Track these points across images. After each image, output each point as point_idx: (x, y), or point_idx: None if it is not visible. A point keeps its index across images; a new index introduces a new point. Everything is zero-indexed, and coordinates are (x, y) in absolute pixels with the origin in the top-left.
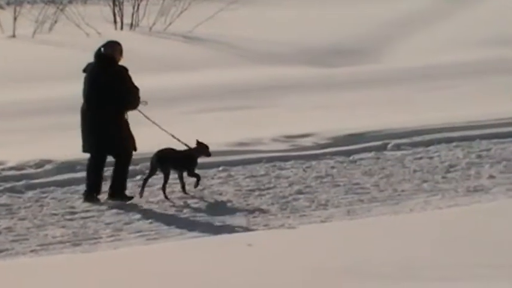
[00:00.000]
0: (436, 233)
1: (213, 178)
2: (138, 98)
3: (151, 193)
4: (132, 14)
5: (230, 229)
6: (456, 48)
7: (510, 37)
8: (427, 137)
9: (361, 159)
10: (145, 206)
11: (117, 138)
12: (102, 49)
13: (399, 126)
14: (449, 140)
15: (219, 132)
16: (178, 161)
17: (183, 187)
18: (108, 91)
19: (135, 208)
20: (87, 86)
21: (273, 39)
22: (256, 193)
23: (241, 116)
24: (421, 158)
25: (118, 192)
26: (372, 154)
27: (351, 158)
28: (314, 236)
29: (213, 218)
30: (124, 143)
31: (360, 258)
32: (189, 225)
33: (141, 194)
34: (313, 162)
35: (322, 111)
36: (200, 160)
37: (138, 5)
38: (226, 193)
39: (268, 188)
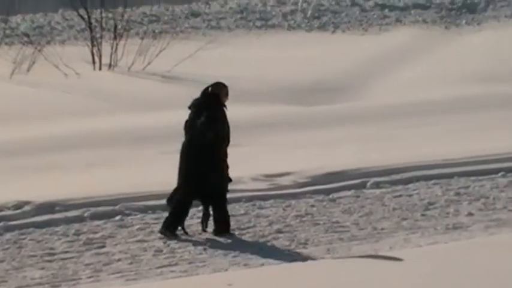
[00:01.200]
0: (417, 271)
1: (192, 218)
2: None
3: (131, 233)
4: (111, 54)
5: (211, 269)
6: (434, 85)
7: (488, 74)
8: (406, 175)
9: (340, 197)
10: (125, 247)
11: (218, 178)
12: (210, 88)
13: (378, 164)
14: (427, 178)
15: None
16: None
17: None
18: (211, 128)
19: (114, 248)
20: (191, 122)
21: (252, 78)
22: (237, 232)
23: None
24: (400, 196)
25: (227, 229)
26: (351, 192)
27: (331, 196)
28: (294, 275)
29: (194, 258)
30: (224, 182)
31: None
32: (169, 265)
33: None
34: (293, 201)
35: (302, 149)
36: None
37: (117, 44)
38: (206, 233)
39: (248, 227)
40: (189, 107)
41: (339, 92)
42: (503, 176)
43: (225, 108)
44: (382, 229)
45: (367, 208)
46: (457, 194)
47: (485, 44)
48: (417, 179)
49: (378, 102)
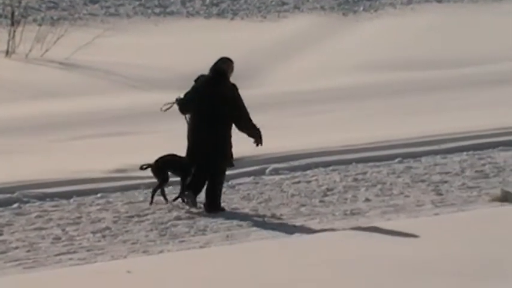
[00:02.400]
0: (317, 257)
1: (91, 205)
2: (250, 120)
3: (28, 221)
4: (8, 41)
5: (109, 256)
6: (331, 73)
7: (386, 61)
8: (305, 161)
9: (239, 184)
10: (23, 235)
11: (223, 152)
12: (217, 64)
13: (277, 151)
14: (326, 164)
15: (96, 159)
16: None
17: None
18: (221, 104)
19: (12, 236)
20: (201, 97)
21: (149, 66)
22: (135, 219)
23: (118, 142)
24: (299, 182)
25: (216, 206)
26: (250, 179)
27: (230, 183)
28: (193, 262)
29: (92, 245)
30: (228, 157)
31: (242, 284)
32: (67, 253)
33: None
34: None
35: None
36: (77, 188)
37: (14, 31)
38: (105, 220)
39: (147, 214)
40: (195, 81)
41: (237, 79)
42: (399, 162)
43: (234, 86)
44: (281, 215)
45: (266, 194)
46: (355, 180)
47: (382, 31)
48: (316, 165)
49: (276, 90)
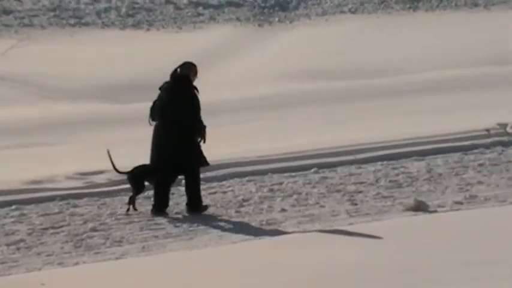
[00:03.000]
0: (233, 266)
1: (5, 217)
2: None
3: None
4: None
5: (24, 268)
6: (250, 83)
7: (301, 72)
8: (221, 172)
9: None
10: None
11: (193, 153)
12: (178, 69)
13: None
14: (242, 175)
15: (11, 170)
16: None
17: None
18: (184, 108)
19: None
20: (164, 103)
21: (68, 75)
22: (50, 231)
23: (34, 153)
24: (215, 193)
25: (198, 205)
26: None
27: (146, 194)
28: (108, 273)
29: (6, 258)
30: (198, 157)
31: None
32: None
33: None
34: (108, 200)
35: (115, 147)
36: None
37: None
38: (19, 232)
39: (62, 226)
40: (160, 88)
41: (154, 90)
42: (315, 172)
43: (195, 89)
44: (197, 226)
45: (182, 205)
46: (271, 190)
47: (298, 41)
48: (232, 175)
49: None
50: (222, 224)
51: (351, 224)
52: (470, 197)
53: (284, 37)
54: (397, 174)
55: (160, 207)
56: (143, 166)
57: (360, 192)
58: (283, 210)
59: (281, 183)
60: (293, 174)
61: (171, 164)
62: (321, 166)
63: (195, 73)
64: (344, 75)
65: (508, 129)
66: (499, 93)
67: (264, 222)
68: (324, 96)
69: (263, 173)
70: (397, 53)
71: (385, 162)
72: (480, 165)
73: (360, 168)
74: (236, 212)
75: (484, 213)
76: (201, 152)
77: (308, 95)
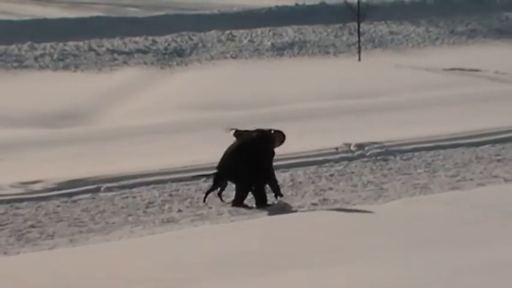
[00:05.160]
0: (143, 257)
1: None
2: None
3: None
4: None
5: None
6: (156, 112)
7: (193, 104)
8: (131, 181)
9: (80, 199)
10: None
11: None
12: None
13: (110, 173)
14: (148, 183)
15: None
16: None
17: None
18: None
19: None
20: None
21: (11, 107)
22: None
23: None
24: (127, 198)
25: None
26: (88, 195)
27: (72, 198)
28: (42, 261)
29: None
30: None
31: (76, 280)
32: None
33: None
34: (43, 203)
35: (51, 163)
36: None
37: None
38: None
39: (7, 224)
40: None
41: (79, 118)
42: (204, 181)
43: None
44: (113, 223)
45: (101, 207)
46: (170, 195)
47: (191, 80)
48: (140, 184)
49: (113, 125)
50: (132, 221)
51: (232, 221)
52: (323, 200)
53: (180, 77)
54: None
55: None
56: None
57: None
58: (179, 210)
59: (178, 190)
60: (188, 182)
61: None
62: (209, 176)
63: (281, 142)
64: (226, 106)
65: (352, 148)
66: (345, 121)
67: (165, 220)
68: (211, 124)
69: (164, 181)
70: (266, 88)
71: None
72: (331, 175)
73: None
74: (143, 212)
75: (332, 212)
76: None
77: (197, 123)
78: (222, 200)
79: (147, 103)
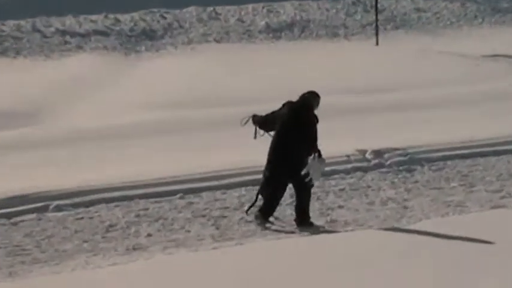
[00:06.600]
0: None
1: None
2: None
3: None
4: None
5: None
6: (119, 111)
7: (170, 99)
8: (88, 198)
9: (22, 221)
10: None
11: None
12: (307, 97)
13: (61, 188)
14: (109, 200)
15: None
16: None
17: None
18: (304, 135)
19: None
20: (282, 123)
21: None
22: None
23: None
24: (82, 218)
25: (306, 219)
26: (33, 216)
27: (12, 220)
28: None
29: None
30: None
31: None
32: None
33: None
34: None
35: None
36: None
37: None
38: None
39: None
40: (284, 104)
41: (22, 117)
42: (181, 197)
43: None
44: (64, 251)
45: (49, 231)
46: (137, 215)
47: (165, 70)
48: (99, 201)
49: (65, 127)
50: (88, 249)
51: (215, 248)
52: (332, 221)
53: (151, 66)
54: (260, 199)
55: (267, 215)
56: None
57: (225, 217)
58: (149, 235)
59: (147, 209)
60: (159, 199)
61: (284, 179)
62: (186, 192)
63: (318, 104)
64: (210, 102)
65: (367, 156)
66: (359, 122)
67: (130, 247)
68: (195, 124)
69: (130, 198)
70: (259, 80)
71: (249, 187)
72: (341, 190)
73: (224, 193)
74: (103, 237)
75: (342, 236)
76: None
77: (174, 123)
78: (247, 213)
79: (109, 99)
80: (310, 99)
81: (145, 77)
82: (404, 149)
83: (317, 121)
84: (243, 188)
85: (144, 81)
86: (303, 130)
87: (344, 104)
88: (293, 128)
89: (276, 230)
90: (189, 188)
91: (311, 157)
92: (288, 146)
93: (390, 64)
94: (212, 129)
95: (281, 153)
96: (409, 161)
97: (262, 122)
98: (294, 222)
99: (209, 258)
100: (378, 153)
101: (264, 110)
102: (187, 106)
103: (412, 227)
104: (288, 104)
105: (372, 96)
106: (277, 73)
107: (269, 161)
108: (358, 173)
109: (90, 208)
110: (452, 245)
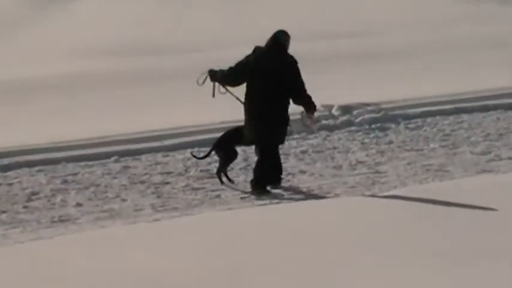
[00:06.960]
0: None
1: None
2: (305, 92)
3: None
4: None
5: None
6: (43, 60)
7: (99, 47)
8: (6, 161)
9: None
10: None
11: (274, 125)
12: (277, 36)
13: None
14: (31, 164)
15: None
16: None
17: None
18: (279, 77)
19: None
20: (257, 69)
21: None
22: None
23: None
24: None
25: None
26: None
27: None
28: None
29: None
30: (278, 132)
31: None
32: None
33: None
34: None
35: None
36: None
37: None
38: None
39: None
40: (253, 51)
41: None
42: (116, 161)
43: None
44: None
45: None
46: (65, 181)
47: (100, 10)
48: (19, 165)
49: None
50: (7, 221)
51: (157, 219)
52: (292, 189)
53: (75, 10)
54: (209, 163)
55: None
56: (228, 132)
57: (167, 183)
58: (78, 204)
59: (76, 174)
60: (90, 163)
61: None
62: (122, 154)
63: (289, 43)
64: (153, 50)
65: (334, 112)
66: (324, 72)
67: (56, 219)
68: (132, 76)
69: (55, 162)
70: (208, 22)
71: (195, 149)
72: (302, 152)
73: (167, 156)
74: (24, 207)
75: (303, 206)
76: (284, 129)
77: (104, 74)
78: (229, 180)
79: (24, 48)
80: (281, 39)
81: (68, 23)
82: (377, 104)
83: (296, 62)
84: (189, 150)
85: (68, 28)
86: (282, 76)
87: (307, 50)
88: (270, 76)
89: (226, 199)
90: (126, 150)
91: (301, 111)
92: (265, 99)
93: (366, 2)
94: (152, 84)
95: (258, 110)
96: (382, 118)
97: (224, 77)
98: (248, 189)
99: (149, 232)
100: (346, 108)
101: (215, 59)
102: (121, 54)
103: (385, 194)
104: (257, 50)
105: (341, 40)
106: (230, 14)
107: (248, 120)
108: (323, 133)
109: (8, 173)
110: (432, 216)
